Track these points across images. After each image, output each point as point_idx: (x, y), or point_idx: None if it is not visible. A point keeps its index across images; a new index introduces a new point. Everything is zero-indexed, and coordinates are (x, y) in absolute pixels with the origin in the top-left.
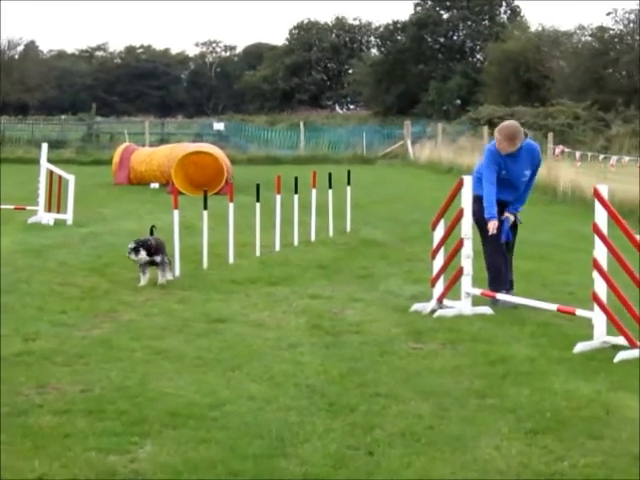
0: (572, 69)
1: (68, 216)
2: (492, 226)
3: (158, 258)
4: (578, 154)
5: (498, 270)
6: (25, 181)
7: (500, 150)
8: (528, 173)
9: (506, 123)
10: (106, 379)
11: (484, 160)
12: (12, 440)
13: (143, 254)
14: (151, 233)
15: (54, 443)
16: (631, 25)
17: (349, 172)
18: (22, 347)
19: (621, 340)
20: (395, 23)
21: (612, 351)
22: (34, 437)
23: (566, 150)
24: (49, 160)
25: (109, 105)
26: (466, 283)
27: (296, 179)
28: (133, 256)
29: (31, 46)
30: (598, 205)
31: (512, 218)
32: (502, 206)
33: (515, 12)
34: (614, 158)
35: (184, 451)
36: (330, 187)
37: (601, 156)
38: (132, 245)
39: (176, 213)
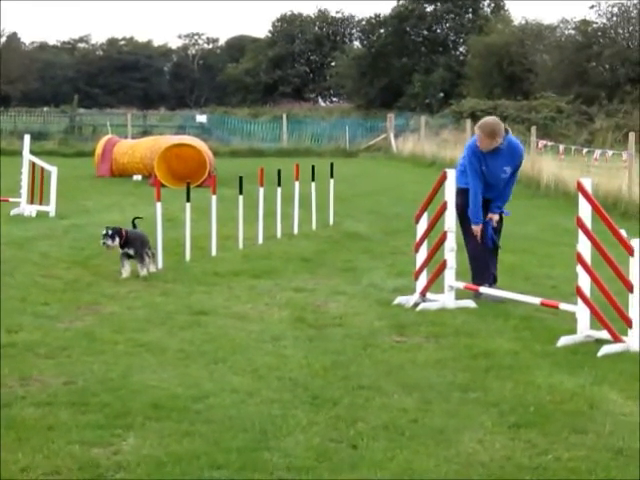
0: (555, 62)
1: (51, 208)
2: (477, 230)
3: (131, 251)
4: (562, 147)
5: (482, 263)
6: (7, 173)
7: (481, 147)
8: (508, 170)
9: (487, 119)
10: (89, 372)
11: (466, 159)
12: None
13: (117, 241)
14: (133, 226)
15: (37, 435)
16: (614, 18)
17: (332, 165)
18: (5, 339)
19: (605, 334)
20: (377, 16)
21: (596, 345)
22: (17, 429)
23: (549, 144)
24: (31, 152)
25: (91, 97)
26: (449, 276)
27: (279, 172)
28: (109, 242)
29: (13, 38)
30: (582, 199)
31: (496, 218)
32: (483, 204)
33: (498, 5)
34: (598, 152)
35: (167, 444)
36: (313, 180)
37: (584, 150)
38: (104, 231)
39: (159, 205)
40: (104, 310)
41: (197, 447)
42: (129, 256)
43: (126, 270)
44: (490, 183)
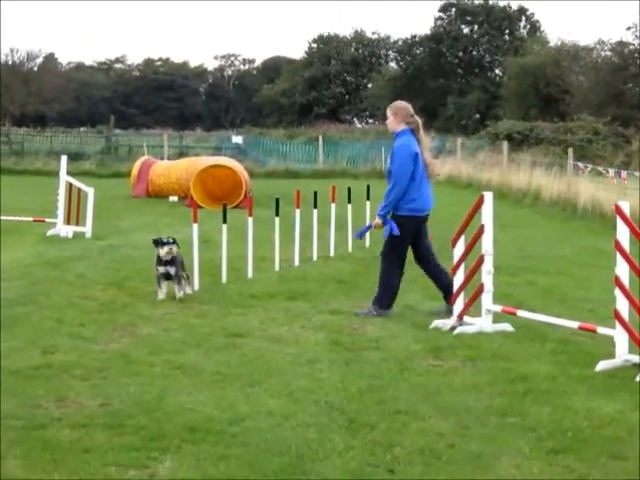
0: (591, 84)
1: (87, 229)
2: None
3: (172, 270)
4: (612, 171)
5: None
6: (44, 193)
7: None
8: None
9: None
10: (125, 393)
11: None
12: (30, 454)
13: (167, 249)
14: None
15: (73, 457)
16: None
17: (368, 187)
18: (41, 360)
19: None
20: (413, 37)
21: (634, 369)
22: (53, 451)
23: (588, 166)
24: (69, 172)
25: (127, 118)
26: (486, 300)
27: (315, 193)
28: (174, 248)
29: (50, 58)
30: (620, 222)
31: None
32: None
33: (535, 27)
34: (624, 172)
35: (203, 467)
36: (349, 202)
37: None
38: (168, 239)
39: (195, 226)
40: (140, 331)
41: (233, 471)
42: (167, 277)
43: (162, 292)
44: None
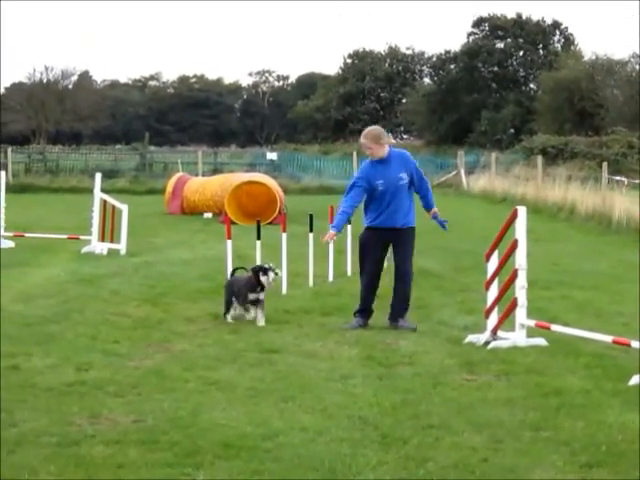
0: (626, 97)
1: (121, 246)
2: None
3: (262, 296)
4: None
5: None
6: (78, 210)
7: (373, 156)
8: (405, 177)
9: (369, 128)
10: (159, 410)
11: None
12: (64, 470)
13: (272, 277)
14: (232, 274)
15: (107, 473)
16: None
17: None
18: (75, 377)
19: None
20: (447, 52)
21: None
22: (87, 467)
23: (625, 180)
24: (103, 190)
25: (162, 134)
26: (520, 314)
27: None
28: (269, 277)
29: (85, 76)
30: None
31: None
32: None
33: (569, 40)
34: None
35: None
36: None
37: None
38: (266, 265)
39: (229, 243)
40: (174, 348)
41: None
42: (256, 303)
43: (251, 315)
44: (389, 197)
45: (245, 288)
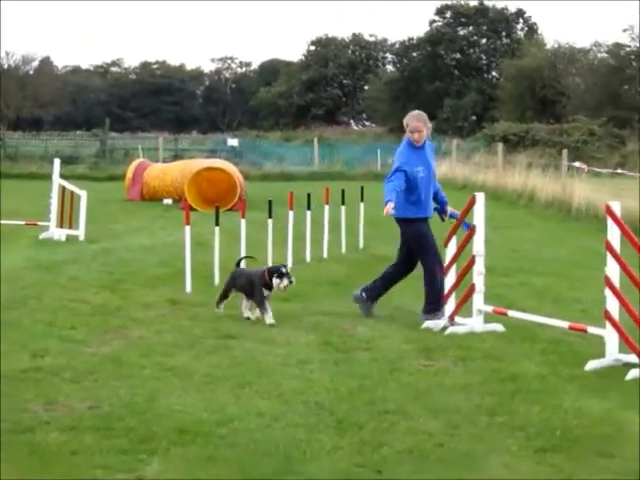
0: (588, 86)
1: (80, 232)
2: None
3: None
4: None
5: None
6: (37, 197)
7: (418, 141)
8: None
9: (416, 111)
10: (115, 396)
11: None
12: (17, 457)
13: (287, 283)
14: (238, 264)
15: (61, 461)
16: None
17: (362, 188)
18: (30, 363)
19: (633, 358)
20: (410, 40)
21: (624, 369)
22: (41, 454)
23: (585, 167)
24: (63, 176)
25: (123, 121)
26: (478, 300)
27: (309, 195)
28: (282, 282)
29: (46, 61)
30: (611, 222)
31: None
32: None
33: (532, 29)
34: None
35: (191, 469)
36: (343, 203)
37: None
38: (283, 269)
39: (187, 229)
40: (131, 334)
41: (221, 472)
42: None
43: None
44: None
45: (261, 281)
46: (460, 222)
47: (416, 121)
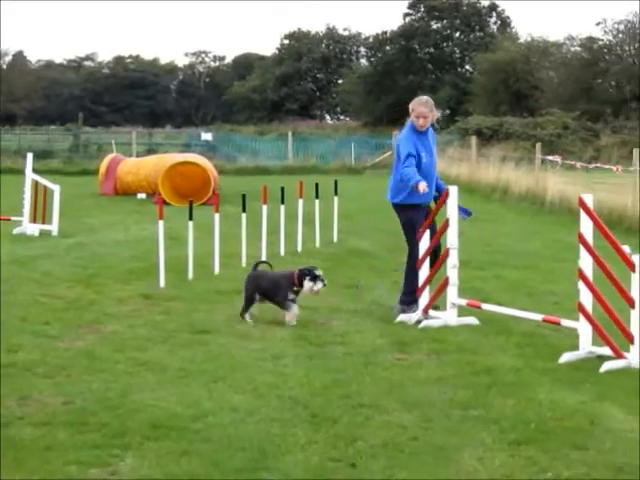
0: (561, 79)
1: (53, 227)
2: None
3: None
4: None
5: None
6: (11, 192)
7: (422, 126)
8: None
9: (422, 96)
10: (88, 391)
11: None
12: None
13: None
14: (255, 267)
15: (35, 456)
16: (620, 35)
17: (336, 182)
18: (4, 359)
19: (607, 350)
20: (384, 34)
21: (598, 361)
22: (15, 449)
23: (559, 159)
24: (36, 170)
25: (97, 115)
26: (452, 293)
27: (283, 189)
28: (315, 284)
29: (19, 56)
30: (583, 215)
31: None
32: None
33: (505, 23)
34: (619, 167)
35: (165, 464)
36: (317, 197)
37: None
38: (317, 271)
39: (161, 224)
40: (105, 329)
41: (195, 467)
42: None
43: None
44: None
45: (288, 283)
46: (434, 215)
47: (423, 107)
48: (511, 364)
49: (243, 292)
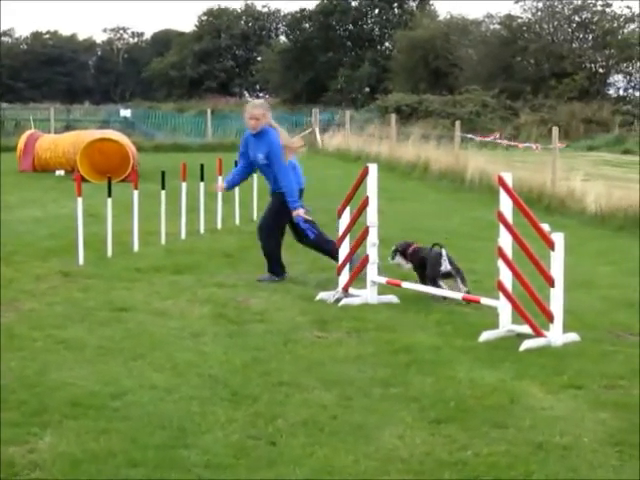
0: (480, 57)
1: None
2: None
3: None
4: (532, 145)
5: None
6: None
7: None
8: (261, 157)
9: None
10: (6, 369)
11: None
12: None
13: (397, 259)
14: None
15: None
16: (539, 13)
17: None
18: None
19: (526, 329)
20: (303, 10)
21: (517, 340)
22: None
23: (477, 138)
24: None
25: (15, 91)
26: (372, 272)
27: (202, 166)
28: (394, 259)
29: None
30: (503, 193)
31: (299, 212)
32: None
33: (424, 0)
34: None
35: (84, 441)
36: None
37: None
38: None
39: (79, 201)
40: (23, 307)
41: (114, 445)
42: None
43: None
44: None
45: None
46: (353, 193)
47: (253, 109)
48: (431, 342)
49: None
